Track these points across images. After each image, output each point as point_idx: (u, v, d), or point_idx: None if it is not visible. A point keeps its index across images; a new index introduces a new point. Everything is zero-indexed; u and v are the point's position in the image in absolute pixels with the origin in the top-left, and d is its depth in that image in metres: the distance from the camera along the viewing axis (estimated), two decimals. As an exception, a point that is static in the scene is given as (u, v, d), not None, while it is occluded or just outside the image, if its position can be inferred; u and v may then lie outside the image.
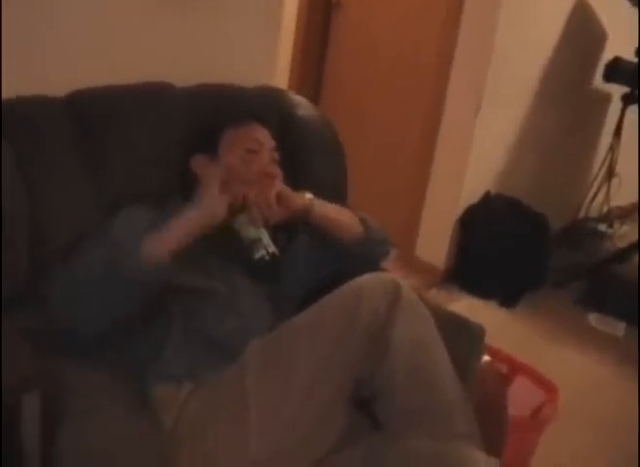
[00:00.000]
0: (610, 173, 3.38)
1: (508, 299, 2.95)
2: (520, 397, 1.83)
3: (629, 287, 2.96)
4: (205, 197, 1.31)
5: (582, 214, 3.57)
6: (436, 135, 2.97)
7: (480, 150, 2.90)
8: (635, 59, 3.01)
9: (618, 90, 3.23)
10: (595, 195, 3.48)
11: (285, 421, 1.15)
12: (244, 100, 1.76)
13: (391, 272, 1.37)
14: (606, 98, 3.49)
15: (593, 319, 2.96)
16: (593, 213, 3.59)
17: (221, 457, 1.17)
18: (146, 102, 1.58)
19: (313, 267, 1.53)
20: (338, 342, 1.17)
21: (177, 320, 1.33)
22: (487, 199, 3.03)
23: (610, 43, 3.30)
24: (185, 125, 1.59)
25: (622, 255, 3.30)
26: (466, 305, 2.80)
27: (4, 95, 1.39)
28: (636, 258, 3.24)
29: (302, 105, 1.83)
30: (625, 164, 3.39)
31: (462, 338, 1.46)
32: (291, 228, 1.51)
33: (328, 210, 1.48)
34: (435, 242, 3.07)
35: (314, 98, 3.32)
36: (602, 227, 3.66)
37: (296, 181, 1.52)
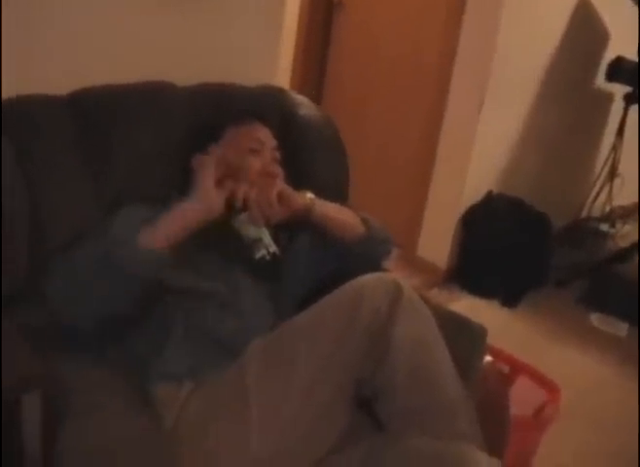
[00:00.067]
0: (612, 173, 3.37)
1: (509, 298, 2.95)
2: (522, 397, 1.83)
3: (631, 287, 2.95)
4: (200, 188, 1.30)
5: (584, 214, 3.57)
6: (438, 135, 2.96)
7: (482, 149, 2.90)
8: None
9: (620, 90, 3.22)
10: (598, 194, 3.47)
11: (286, 420, 1.15)
12: (245, 99, 1.76)
13: (393, 272, 1.37)
14: (608, 98, 3.49)
15: (595, 319, 2.96)
16: (596, 213, 3.58)
17: (222, 456, 1.17)
18: (147, 101, 1.58)
19: (314, 266, 1.53)
20: (339, 342, 1.17)
21: (178, 320, 1.33)
22: (489, 199, 3.03)
23: (612, 42, 3.29)
24: (186, 125, 1.59)
25: (625, 255, 3.29)
26: (467, 305, 2.80)
27: (4, 95, 1.39)
28: (638, 258, 3.23)
29: (304, 104, 1.83)
30: (628, 164, 3.38)
31: (463, 337, 1.46)
32: (292, 227, 1.50)
33: (329, 209, 1.48)
34: (437, 242, 3.07)
35: (316, 98, 3.32)
36: (604, 226, 3.66)
37: (297, 180, 1.52)
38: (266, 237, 1.40)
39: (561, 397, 1.94)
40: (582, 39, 3.16)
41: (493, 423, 1.35)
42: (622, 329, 2.90)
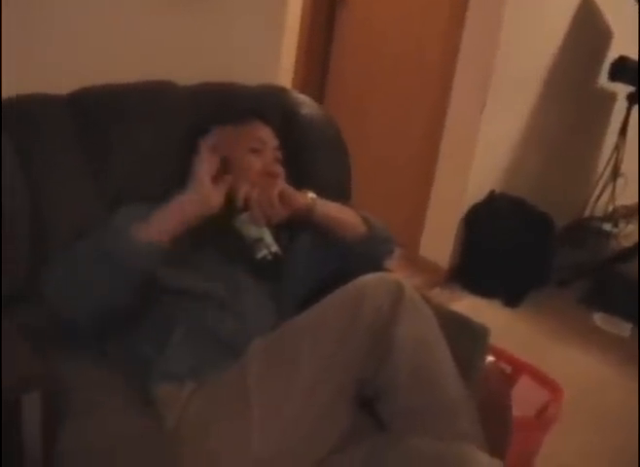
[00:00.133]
0: (615, 172, 3.36)
1: (511, 298, 2.95)
2: (524, 397, 1.82)
3: (634, 286, 2.94)
4: (196, 182, 1.30)
5: (587, 213, 3.56)
6: (440, 134, 2.96)
7: (484, 149, 2.89)
8: (641, 58, 3.00)
9: (623, 90, 3.21)
10: (600, 194, 3.47)
11: (288, 420, 1.15)
12: (247, 99, 1.75)
13: (394, 272, 1.36)
14: (611, 97, 3.48)
15: (598, 319, 2.95)
16: (598, 212, 3.57)
17: (223, 456, 1.16)
18: (148, 101, 1.58)
19: (316, 266, 1.53)
20: (341, 342, 1.16)
21: (179, 320, 1.33)
22: (492, 198, 3.02)
23: (615, 42, 3.28)
24: (187, 124, 1.59)
25: (627, 254, 3.28)
26: (470, 305, 2.80)
27: (5, 95, 1.38)
28: (641, 257, 3.23)
29: (306, 104, 1.82)
30: (631, 164, 3.37)
31: (465, 337, 1.45)
32: (293, 227, 1.50)
33: (330, 209, 1.48)
34: (439, 241, 3.07)
35: (318, 97, 3.31)
36: (607, 226, 3.65)
37: (299, 180, 1.52)
38: (268, 237, 1.40)
39: (564, 397, 1.94)
40: (584, 38, 3.15)
41: (495, 423, 1.35)
42: (625, 329, 2.90)
